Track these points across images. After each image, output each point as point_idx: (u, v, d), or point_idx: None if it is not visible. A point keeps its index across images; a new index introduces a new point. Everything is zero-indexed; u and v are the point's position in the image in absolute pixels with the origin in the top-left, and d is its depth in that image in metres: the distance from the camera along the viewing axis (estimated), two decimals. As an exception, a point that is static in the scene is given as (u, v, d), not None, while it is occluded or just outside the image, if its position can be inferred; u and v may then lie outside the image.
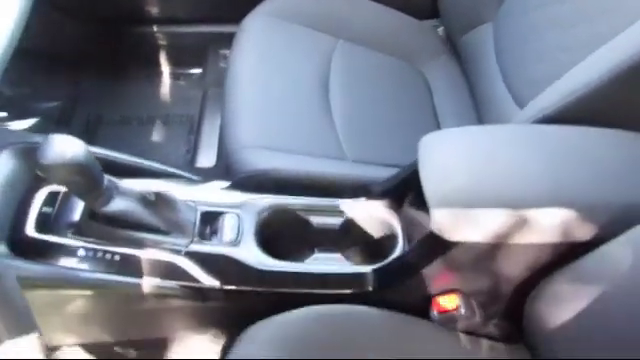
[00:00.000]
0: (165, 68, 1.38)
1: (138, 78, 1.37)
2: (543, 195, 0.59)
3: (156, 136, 1.27)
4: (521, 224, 0.59)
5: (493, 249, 0.63)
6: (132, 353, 0.81)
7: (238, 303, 0.72)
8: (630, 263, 0.56)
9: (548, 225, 0.59)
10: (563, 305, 0.63)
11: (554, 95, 0.71)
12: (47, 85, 1.30)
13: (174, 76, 1.38)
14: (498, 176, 0.61)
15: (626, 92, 0.66)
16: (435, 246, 0.64)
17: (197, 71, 1.38)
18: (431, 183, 0.61)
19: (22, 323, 0.68)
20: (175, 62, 1.38)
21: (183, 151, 1.24)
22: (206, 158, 1.19)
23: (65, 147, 0.58)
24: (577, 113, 0.68)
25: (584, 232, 0.60)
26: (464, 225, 0.60)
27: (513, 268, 0.66)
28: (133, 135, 1.26)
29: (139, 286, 0.67)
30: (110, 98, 1.33)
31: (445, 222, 0.60)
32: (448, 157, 0.63)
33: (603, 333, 0.60)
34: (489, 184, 0.60)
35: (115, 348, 0.80)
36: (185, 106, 1.32)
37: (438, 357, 0.69)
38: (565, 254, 0.63)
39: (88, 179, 0.61)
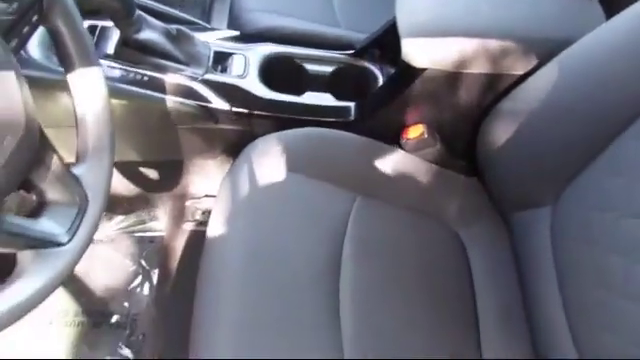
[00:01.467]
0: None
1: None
2: (491, 28, 0.73)
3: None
4: (472, 54, 0.74)
5: (451, 79, 0.78)
6: (153, 173, 0.98)
7: (243, 126, 0.88)
8: (554, 83, 0.71)
9: (494, 55, 0.74)
10: (504, 128, 0.79)
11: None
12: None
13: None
14: (455, 12, 0.75)
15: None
16: (404, 76, 0.79)
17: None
18: (403, 19, 0.75)
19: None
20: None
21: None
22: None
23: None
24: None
25: (523, 64, 0.75)
26: (427, 51, 0.74)
27: (467, 99, 0.81)
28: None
29: (164, 101, 0.82)
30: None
31: (412, 49, 0.74)
32: (418, 1, 0.77)
33: (532, 144, 0.76)
34: (447, 18, 0.74)
35: (139, 168, 0.97)
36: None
37: (402, 175, 0.86)
38: (509, 87, 0.78)
39: (123, 4, 0.75)
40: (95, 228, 0.50)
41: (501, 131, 0.80)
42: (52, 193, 0.48)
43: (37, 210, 0.48)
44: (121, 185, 0.98)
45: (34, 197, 0.48)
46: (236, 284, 0.72)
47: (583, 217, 0.72)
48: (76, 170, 0.51)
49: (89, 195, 0.51)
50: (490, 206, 0.90)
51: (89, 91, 0.53)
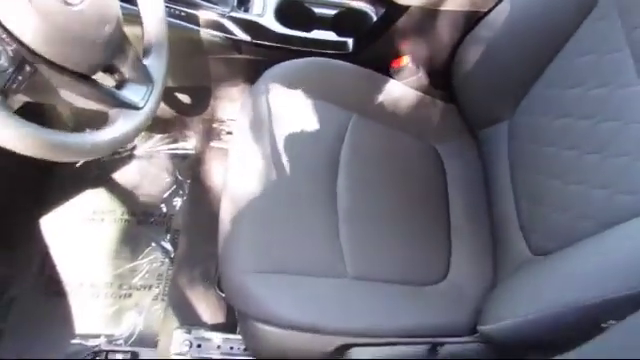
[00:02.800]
0: None
1: None
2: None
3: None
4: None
5: (430, 16, 0.96)
6: (186, 98, 1.18)
7: (261, 56, 1.07)
8: (509, 14, 0.89)
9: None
10: (472, 55, 0.97)
11: None
12: None
13: None
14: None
15: None
16: (392, 13, 0.98)
17: None
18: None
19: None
20: None
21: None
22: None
23: None
24: None
25: (488, 1, 0.93)
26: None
27: (444, 33, 1.00)
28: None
29: (198, 32, 1.02)
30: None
31: (398, -11, 0.93)
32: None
33: (494, 69, 0.95)
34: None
35: (174, 93, 1.17)
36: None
37: (391, 99, 1.05)
38: (476, 22, 0.96)
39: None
40: (159, 101, 0.71)
41: (470, 58, 0.98)
42: (129, 74, 0.69)
43: (119, 85, 0.68)
44: (159, 108, 1.18)
45: (116, 77, 0.69)
46: (255, 183, 0.91)
47: (529, 123, 0.91)
48: (145, 60, 0.72)
49: (154, 78, 0.71)
50: (463, 126, 1.09)
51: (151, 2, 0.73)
